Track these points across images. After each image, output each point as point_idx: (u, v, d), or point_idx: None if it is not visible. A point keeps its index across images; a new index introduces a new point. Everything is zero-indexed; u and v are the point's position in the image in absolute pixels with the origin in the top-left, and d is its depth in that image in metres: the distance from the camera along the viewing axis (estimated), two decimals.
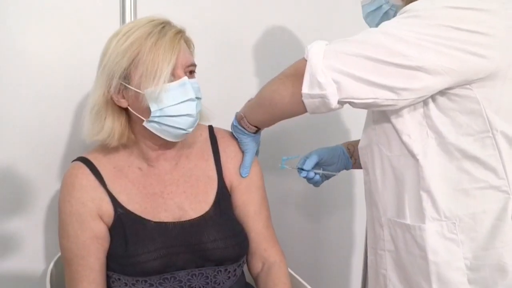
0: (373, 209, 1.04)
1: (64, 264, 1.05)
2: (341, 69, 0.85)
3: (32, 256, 1.29)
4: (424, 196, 0.92)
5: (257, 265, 1.15)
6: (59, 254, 1.11)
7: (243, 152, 1.14)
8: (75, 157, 1.09)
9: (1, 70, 1.20)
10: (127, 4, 1.30)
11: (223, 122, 1.19)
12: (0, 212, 1.25)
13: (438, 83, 0.85)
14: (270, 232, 1.16)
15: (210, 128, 1.18)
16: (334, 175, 1.22)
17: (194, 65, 1.03)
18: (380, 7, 1.05)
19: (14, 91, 1.22)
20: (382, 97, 0.86)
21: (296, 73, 0.92)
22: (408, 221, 0.95)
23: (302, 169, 1.18)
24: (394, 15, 1.01)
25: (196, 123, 1.03)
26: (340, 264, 1.82)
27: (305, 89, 0.89)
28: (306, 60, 0.89)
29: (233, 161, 1.14)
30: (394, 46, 0.83)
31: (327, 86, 0.86)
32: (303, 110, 0.93)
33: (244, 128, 1.10)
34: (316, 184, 1.22)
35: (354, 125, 1.67)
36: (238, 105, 1.14)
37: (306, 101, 0.90)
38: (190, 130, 1.01)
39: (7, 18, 1.20)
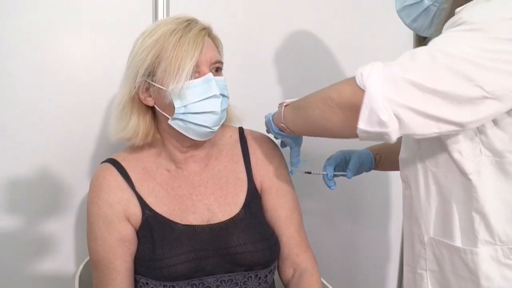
0: (414, 225, 0.97)
1: (91, 267, 1.05)
2: (403, 104, 0.75)
3: (63, 259, 1.30)
4: (477, 218, 0.85)
5: (288, 271, 1.12)
6: (88, 257, 1.10)
7: (290, 148, 1.09)
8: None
9: (31, 74, 1.22)
10: (159, 8, 1.30)
11: (251, 124, 1.17)
12: (34, 216, 1.26)
13: (506, 108, 0.77)
14: (302, 237, 1.13)
15: (240, 130, 1.16)
16: (345, 174, 1.17)
17: (220, 62, 1.01)
18: (420, 1, 0.96)
19: (44, 96, 1.24)
20: (447, 130, 0.77)
21: (351, 104, 0.80)
22: (457, 243, 0.88)
23: (310, 173, 1.15)
24: (436, 13, 0.94)
25: (222, 122, 1.01)
26: (374, 272, 1.78)
27: (361, 125, 0.78)
28: (361, 90, 0.77)
29: (263, 163, 1.12)
30: (460, 71, 0.73)
31: (390, 123, 0.75)
32: (355, 137, 0.83)
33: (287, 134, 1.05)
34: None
35: None
36: (265, 108, 1.11)
37: (362, 135, 0.80)
38: (215, 128, 0.99)
39: (40, 23, 1.22)
